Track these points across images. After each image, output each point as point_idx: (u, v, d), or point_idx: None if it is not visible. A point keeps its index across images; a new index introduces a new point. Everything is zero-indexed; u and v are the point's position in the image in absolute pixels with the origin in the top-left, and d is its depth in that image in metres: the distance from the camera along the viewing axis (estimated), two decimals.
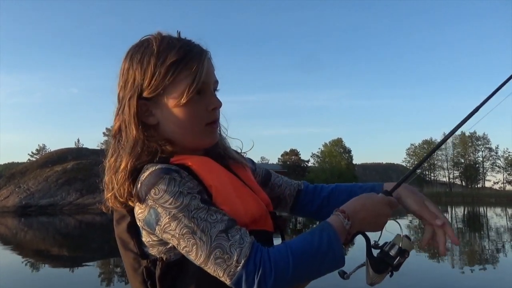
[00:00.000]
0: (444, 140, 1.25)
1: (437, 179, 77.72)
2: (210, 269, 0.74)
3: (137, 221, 0.83)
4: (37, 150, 69.13)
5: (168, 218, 0.75)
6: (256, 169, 1.11)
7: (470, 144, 74.19)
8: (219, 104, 0.91)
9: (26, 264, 10.78)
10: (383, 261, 0.90)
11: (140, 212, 0.80)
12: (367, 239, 0.91)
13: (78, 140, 62.31)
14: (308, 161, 79.53)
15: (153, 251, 0.83)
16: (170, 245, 0.80)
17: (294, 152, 78.87)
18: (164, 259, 0.82)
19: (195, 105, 0.86)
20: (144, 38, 0.90)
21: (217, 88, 0.94)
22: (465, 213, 31.51)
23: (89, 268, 10.41)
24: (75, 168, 46.94)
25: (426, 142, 77.11)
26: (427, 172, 77.09)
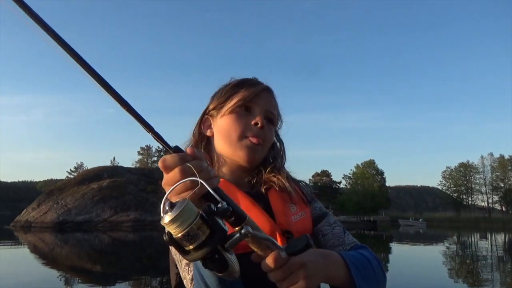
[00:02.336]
0: None
1: (475, 203, 74.45)
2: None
3: None
4: (75, 167, 71.71)
5: None
6: (313, 204, 1.07)
7: (510, 167, 70.89)
8: (262, 122, 0.95)
9: (60, 280, 11.05)
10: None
11: None
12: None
13: (114, 159, 64.46)
14: (340, 183, 78.22)
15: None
16: None
17: (325, 173, 77.82)
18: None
19: (239, 117, 0.96)
20: None
21: (273, 121, 1.01)
22: (506, 240, 29.88)
23: (121, 285, 10.54)
24: (110, 186, 48.15)
25: (462, 165, 74.32)
26: (464, 196, 74.02)
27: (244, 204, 0.91)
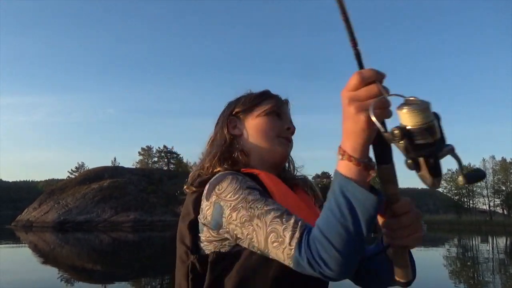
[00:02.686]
0: None
1: (476, 206, 74.28)
2: (272, 253, 0.78)
3: (202, 218, 0.92)
4: (76, 167, 71.68)
5: (230, 210, 0.84)
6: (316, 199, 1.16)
7: (511, 170, 70.79)
8: (294, 127, 1.09)
9: (61, 279, 11.06)
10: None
11: (206, 208, 0.90)
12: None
13: (115, 159, 64.31)
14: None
15: (209, 247, 0.92)
16: (227, 242, 0.89)
17: (326, 175, 77.70)
18: (216, 251, 0.91)
19: (273, 120, 1.07)
20: None
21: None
22: (508, 243, 29.81)
23: (121, 285, 10.54)
24: (111, 186, 48.16)
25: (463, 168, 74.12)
26: (465, 199, 73.91)
27: (295, 200, 0.96)
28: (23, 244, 24.64)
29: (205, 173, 0.99)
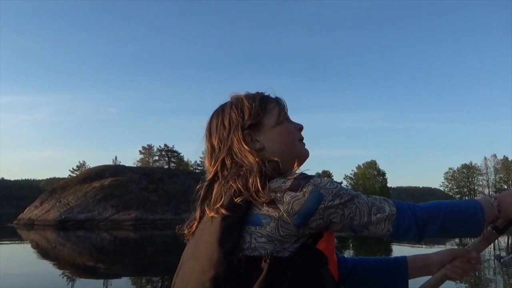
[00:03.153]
0: None
1: None
2: (374, 224, 0.91)
3: (273, 212, 0.88)
4: (77, 166, 71.91)
5: (332, 196, 0.89)
6: None
7: None
8: (302, 125, 1.12)
9: (62, 277, 11.10)
10: None
11: (295, 199, 0.88)
12: None
13: (116, 158, 64.42)
14: (341, 183, 77.64)
15: (266, 246, 0.87)
16: (287, 245, 0.88)
17: (326, 174, 77.73)
18: (274, 254, 0.87)
19: (289, 126, 1.08)
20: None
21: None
22: (509, 242, 29.79)
23: (122, 283, 10.57)
24: (112, 184, 48.18)
25: (465, 166, 74.12)
26: (466, 198, 73.73)
27: None
28: (25, 242, 24.72)
29: (254, 196, 0.90)
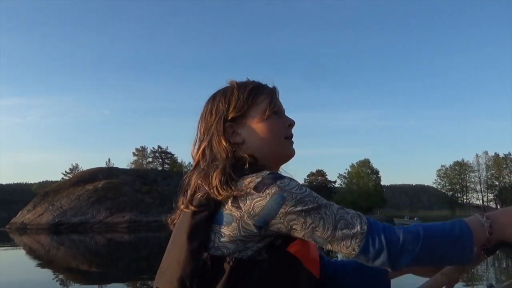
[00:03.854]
0: None
1: (470, 202, 74.89)
2: (338, 239, 0.82)
3: (235, 211, 0.86)
4: (70, 169, 71.23)
5: (295, 201, 0.83)
6: None
7: (504, 165, 71.39)
8: (293, 121, 1.06)
9: (56, 281, 11.02)
10: None
11: (256, 200, 0.85)
12: None
13: (109, 160, 63.90)
14: (335, 182, 78.33)
15: (229, 246, 0.86)
16: (250, 244, 0.86)
17: (320, 173, 77.94)
18: (236, 255, 0.86)
19: (276, 121, 1.02)
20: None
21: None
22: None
23: (117, 286, 10.53)
24: (106, 187, 47.95)
25: (457, 163, 74.66)
26: (459, 195, 74.49)
27: None
28: (18, 247, 24.50)
29: (214, 192, 0.89)
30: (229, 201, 0.87)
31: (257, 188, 0.85)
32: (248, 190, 0.86)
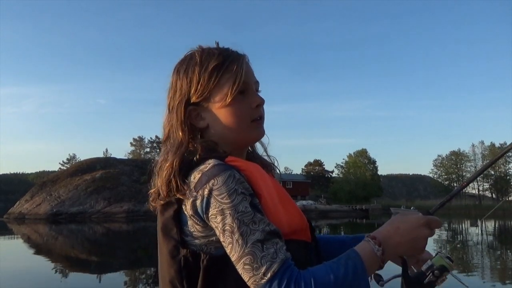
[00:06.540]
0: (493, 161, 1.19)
1: (466, 191, 75.32)
2: (239, 270, 0.77)
3: (187, 209, 0.85)
4: (67, 159, 71.21)
5: (216, 211, 0.79)
6: None
7: None
8: (262, 101, 0.96)
9: (55, 271, 11.09)
10: (417, 281, 0.86)
11: (193, 199, 0.83)
12: (403, 260, 0.89)
13: (107, 150, 64.15)
14: (332, 172, 78.59)
15: (195, 242, 0.85)
16: (213, 238, 0.83)
17: (318, 163, 78.05)
18: (205, 251, 0.84)
19: (239, 104, 0.93)
20: (187, 53, 0.99)
21: (259, 89, 0.99)
22: (496, 226, 30.41)
23: (116, 275, 10.61)
24: (104, 177, 47.96)
25: (454, 153, 74.97)
26: (455, 184, 74.91)
27: (280, 194, 0.90)
28: (16, 236, 24.59)
29: (161, 192, 0.87)
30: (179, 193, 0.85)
31: (196, 187, 0.82)
32: (191, 187, 0.83)
